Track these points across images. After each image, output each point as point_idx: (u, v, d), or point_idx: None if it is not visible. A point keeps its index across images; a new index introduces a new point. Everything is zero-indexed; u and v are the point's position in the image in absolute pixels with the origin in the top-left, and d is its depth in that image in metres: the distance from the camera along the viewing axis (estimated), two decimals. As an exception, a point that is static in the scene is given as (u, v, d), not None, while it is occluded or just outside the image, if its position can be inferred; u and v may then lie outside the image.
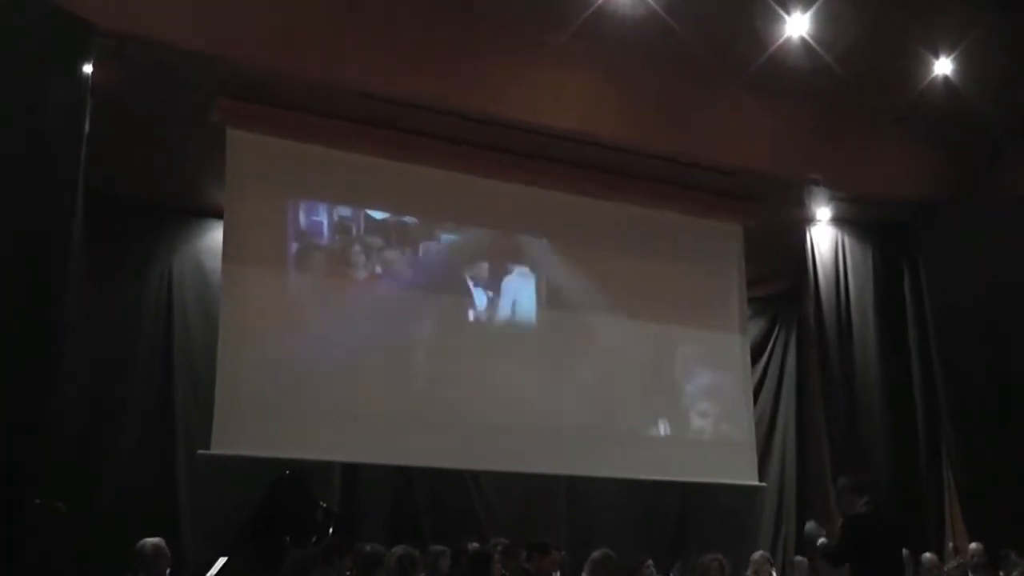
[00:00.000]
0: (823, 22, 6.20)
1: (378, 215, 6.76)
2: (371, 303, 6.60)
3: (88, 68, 5.24)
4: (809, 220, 7.75)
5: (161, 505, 6.92)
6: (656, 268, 7.44)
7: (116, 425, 6.94)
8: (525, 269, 7.12)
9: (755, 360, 8.51)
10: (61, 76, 5.12)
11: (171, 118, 6.22)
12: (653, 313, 7.38)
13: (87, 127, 5.23)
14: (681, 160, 6.99)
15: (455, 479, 7.76)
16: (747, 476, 7.51)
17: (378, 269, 6.68)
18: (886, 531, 5.44)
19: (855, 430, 7.51)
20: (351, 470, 7.39)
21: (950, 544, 7.33)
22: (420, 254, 6.81)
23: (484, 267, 7.00)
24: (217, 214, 6.80)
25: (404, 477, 7.64)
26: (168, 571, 5.07)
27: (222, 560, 5.57)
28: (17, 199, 4.84)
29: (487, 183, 6.88)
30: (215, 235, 7.07)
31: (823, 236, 7.81)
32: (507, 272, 7.05)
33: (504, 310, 7.01)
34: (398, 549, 5.04)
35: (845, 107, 7.08)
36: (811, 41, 6.27)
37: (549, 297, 7.13)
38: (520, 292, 7.08)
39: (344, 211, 6.67)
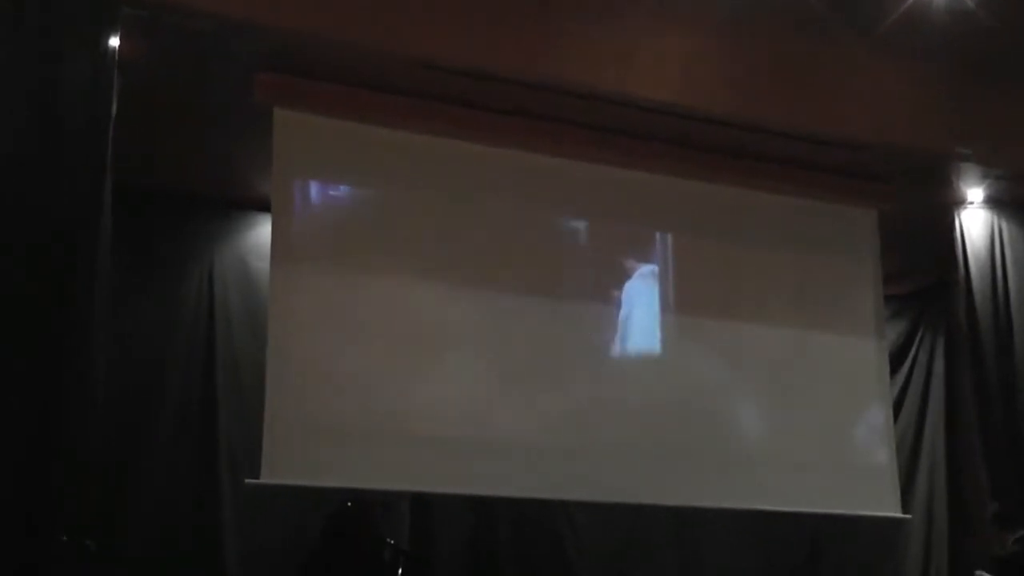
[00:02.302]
0: (973, -34, 6.04)
1: (452, 204, 6.70)
2: (447, 308, 6.55)
3: (114, 42, 5.27)
4: (958, 203, 7.55)
5: (202, 542, 7.00)
6: (776, 262, 7.35)
7: (149, 450, 7.01)
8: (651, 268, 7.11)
9: (895, 369, 8.33)
10: (84, 52, 5.15)
11: (210, 97, 6.25)
12: (774, 314, 7.27)
13: (114, 109, 5.25)
14: (802, 135, 6.88)
15: (543, 512, 7.72)
16: (888, 507, 7.34)
17: (455, 270, 6.62)
18: None
19: (1019, 452, 7.27)
20: (423, 502, 7.39)
21: None
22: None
23: (591, 264, 6.94)
24: (264, 206, 6.83)
25: (484, 510, 7.63)
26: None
27: (274, 606, 5.59)
28: (35, 191, 4.88)
29: (582, 166, 6.83)
30: (262, 230, 7.13)
31: (975, 221, 7.58)
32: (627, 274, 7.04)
33: (616, 315, 6.94)
34: (477, 592, 5.02)
35: (1000, 68, 6.88)
36: (958, -11, 6.10)
37: (673, 299, 7.12)
38: (638, 296, 7.03)
39: (412, 200, 6.62)
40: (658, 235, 7.16)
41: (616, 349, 6.96)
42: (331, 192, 6.49)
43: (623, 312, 6.96)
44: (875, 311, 7.61)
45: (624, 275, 7.02)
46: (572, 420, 6.65)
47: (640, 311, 7.00)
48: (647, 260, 7.10)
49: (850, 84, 6.79)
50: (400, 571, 5.88)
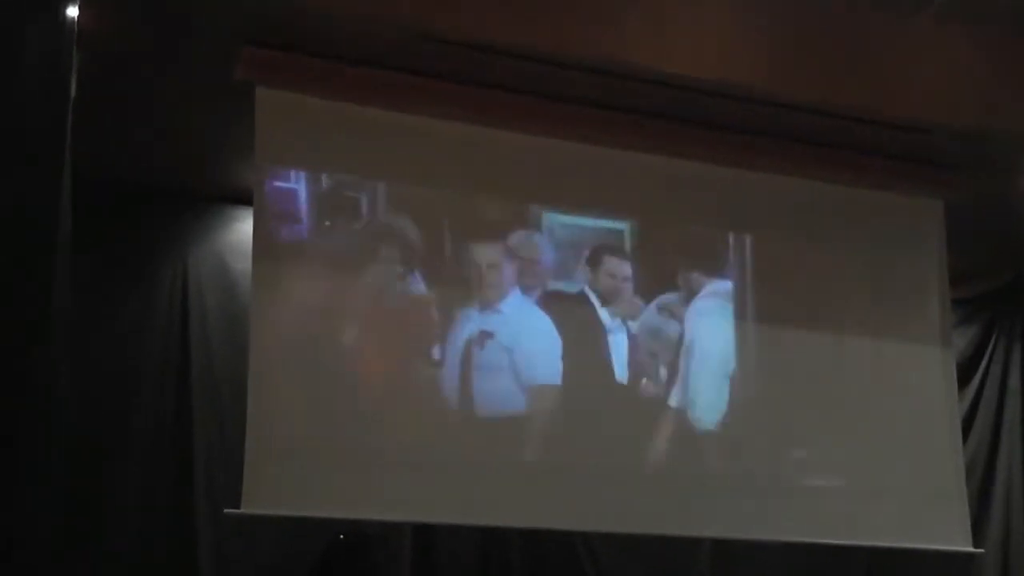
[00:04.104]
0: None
1: (457, 195, 6.66)
2: (456, 318, 6.49)
3: (73, 11, 5.24)
4: (1037, 192, 7.54)
5: (176, 579, 6.97)
6: (826, 260, 7.31)
7: (118, 477, 6.99)
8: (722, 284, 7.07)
9: (964, 382, 8.32)
10: (38, 23, 5.09)
11: (182, 75, 6.23)
12: (826, 319, 7.25)
13: (74, 89, 5.23)
14: (858, 116, 6.85)
15: (562, 544, 7.73)
16: (956, 539, 7.29)
17: (464, 273, 6.58)
18: None
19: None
20: (426, 533, 7.39)
21: None
22: (534, 254, 6.72)
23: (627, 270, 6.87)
24: (244, 199, 6.80)
25: (495, 542, 7.63)
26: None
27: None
28: (-16, 184, 4.85)
29: (603, 152, 6.78)
30: (242, 226, 7.15)
31: (1058, 213, 7.58)
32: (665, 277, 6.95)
33: (645, 322, 6.86)
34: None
35: (1084, 36, 6.87)
36: (1032, -53, 6.08)
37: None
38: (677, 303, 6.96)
39: (412, 190, 6.59)
40: (693, 227, 7.13)
41: (639, 360, 6.89)
42: (321, 182, 6.43)
43: (652, 319, 6.90)
44: (941, 315, 7.57)
45: (663, 278, 6.96)
46: (594, 441, 6.61)
47: (678, 319, 6.95)
48: (686, 260, 7.05)
49: (912, 58, 6.76)
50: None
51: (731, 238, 7.17)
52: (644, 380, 6.77)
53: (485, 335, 6.40)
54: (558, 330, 6.58)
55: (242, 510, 5.89)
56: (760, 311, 7.10)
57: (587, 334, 6.68)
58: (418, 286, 6.43)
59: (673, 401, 6.80)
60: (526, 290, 6.60)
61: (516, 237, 6.66)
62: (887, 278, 7.46)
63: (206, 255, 7.54)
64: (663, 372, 6.82)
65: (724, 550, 7.99)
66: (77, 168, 5.26)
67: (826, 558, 7.91)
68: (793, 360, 7.14)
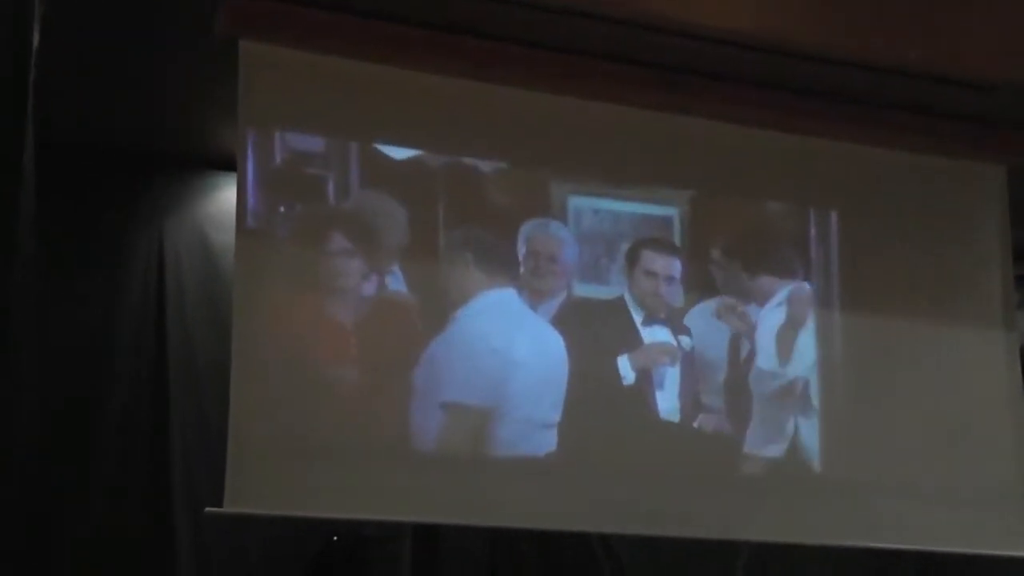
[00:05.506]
0: None
1: (468, 161, 6.60)
2: (460, 296, 6.43)
3: (35, -47, 5.19)
4: (1113, 154, 7.47)
5: (153, 588, 6.95)
6: (876, 233, 7.26)
7: (88, 476, 6.98)
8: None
9: (1027, 369, 8.24)
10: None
11: (158, 28, 6.17)
12: (875, 301, 7.18)
13: (36, 39, 5.15)
14: (911, 72, 6.79)
15: (578, 547, 7.70)
16: (1017, 544, 7.23)
17: (473, 249, 6.51)
18: None
19: None
20: (427, 535, 7.35)
21: None
22: (552, 249, 6.60)
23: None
24: (227, 164, 6.78)
25: (504, 545, 7.60)
26: None
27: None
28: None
29: (629, 112, 6.74)
30: (224, 194, 7.12)
31: None
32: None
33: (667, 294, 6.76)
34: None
35: None
36: None
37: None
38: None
39: (416, 156, 6.54)
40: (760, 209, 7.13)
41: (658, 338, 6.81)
42: (310, 145, 6.39)
43: (711, 330, 6.84)
44: (1004, 294, 7.51)
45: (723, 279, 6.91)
46: (617, 434, 6.58)
47: (745, 327, 6.91)
48: (752, 253, 7.02)
49: (973, 7, 6.70)
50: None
51: (812, 222, 7.13)
52: (701, 415, 6.71)
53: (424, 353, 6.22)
54: (571, 353, 6.46)
55: (225, 509, 5.84)
56: (846, 304, 7.08)
57: (617, 355, 6.60)
58: (399, 285, 6.34)
59: (742, 439, 6.78)
60: (536, 297, 6.48)
61: (528, 227, 6.56)
62: (943, 251, 7.40)
63: (184, 226, 7.49)
64: (720, 397, 6.77)
65: (760, 559, 7.97)
66: (40, 128, 5.20)
67: (875, 563, 7.91)
68: (876, 362, 7.12)
